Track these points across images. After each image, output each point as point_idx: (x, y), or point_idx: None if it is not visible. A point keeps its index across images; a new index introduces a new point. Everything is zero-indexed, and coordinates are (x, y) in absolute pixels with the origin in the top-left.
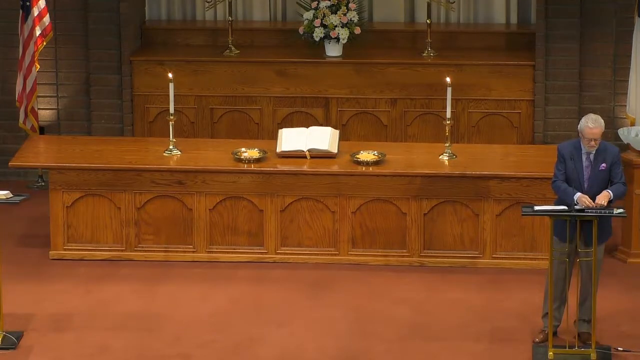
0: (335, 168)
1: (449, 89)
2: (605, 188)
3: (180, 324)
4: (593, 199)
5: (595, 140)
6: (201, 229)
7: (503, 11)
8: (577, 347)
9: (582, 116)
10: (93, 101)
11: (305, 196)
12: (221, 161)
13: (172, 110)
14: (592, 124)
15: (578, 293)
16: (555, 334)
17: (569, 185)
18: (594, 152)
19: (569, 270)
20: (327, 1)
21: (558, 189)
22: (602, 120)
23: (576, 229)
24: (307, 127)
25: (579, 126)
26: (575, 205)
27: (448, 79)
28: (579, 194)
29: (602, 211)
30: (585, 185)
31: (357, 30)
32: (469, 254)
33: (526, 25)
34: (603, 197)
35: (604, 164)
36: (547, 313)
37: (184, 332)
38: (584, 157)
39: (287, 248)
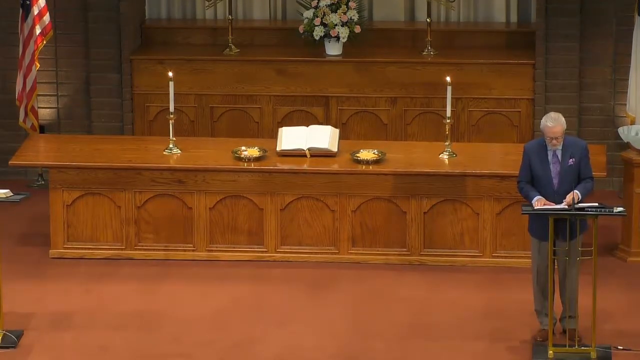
0: (335, 167)
1: (449, 88)
2: (577, 183)
3: (180, 323)
4: (564, 195)
5: (556, 138)
6: (201, 227)
7: (503, 10)
8: (577, 345)
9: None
10: (93, 100)
11: (305, 195)
12: (221, 160)
13: (172, 109)
14: (551, 123)
15: (563, 290)
16: (554, 332)
17: (540, 184)
18: (560, 148)
19: (552, 267)
20: (327, 0)
21: (521, 191)
22: (563, 119)
23: (564, 228)
24: (307, 126)
25: (540, 125)
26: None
27: (448, 78)
28: (536, 197)
29: (602, 210)
30: (555, 182)
31: (357, 29)
32: (469, 252)
33: (526, 24)
34: (568, 200)
35: (572, 159)
36: (538, 310)
37: (184, 331)
38: (550, 154)
39: (287, 247)
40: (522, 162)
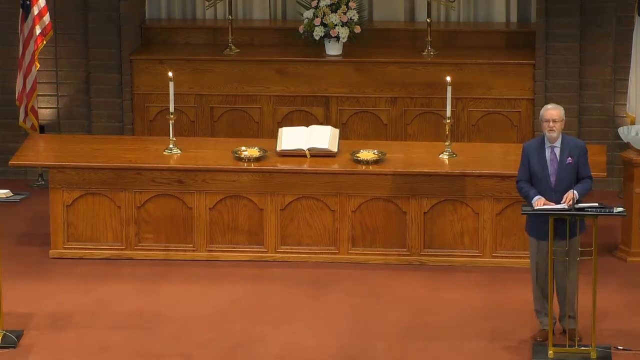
0: (335, 167)
1: (449, 88)
2: (575, 182)
3: (180, 323)
4: (562, 193)
5: (554, 120)
6: (201, 227)
7: (503, 10)
8: (577, 345)
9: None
10: (93, 100)
11: (305, 195)
12: (221, 160)
13: (172, 109)
14: (550, 106)
15: (559, 290)
16: (554, 332)
17: (538, 181)
18: (559, 146)
19: (552, 267)
20: (327, 0)
21: (520, 190)
22: (563, 109)
23: (562, 228)
24: (307, 126)
25: (540, 114)
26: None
27: (448, 78)
28: (536, 197)
29: (602, 210)
30: (552, 180)
31: (357, 29)
32: (469, 252)
33: (526, 24)
34: (568, 199)
35: (570, 158)
36: (538, 310)
37: (183, 331)
38: (548, 152)
39: (287, 247)
40: (521, 161)
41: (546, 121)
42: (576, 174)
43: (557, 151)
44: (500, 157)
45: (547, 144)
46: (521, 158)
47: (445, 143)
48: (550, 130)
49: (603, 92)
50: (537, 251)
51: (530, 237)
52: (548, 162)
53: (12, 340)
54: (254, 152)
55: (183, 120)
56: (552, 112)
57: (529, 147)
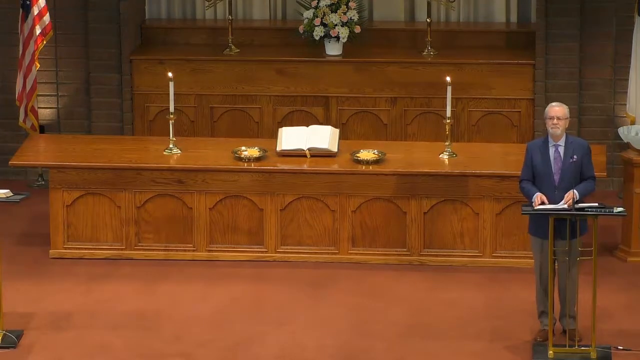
0: (335, 167)
1: (449, 88)
2: (577, 182)
3: (180, 323)
4: (565, 192)
5: (558, 118)
6: (201, 227)
7: (503, 10)
8: (577, 345)
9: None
10: (93, 100)
11: (305, 195)
12: (221, 160)
13: (172, 109)
14: (555, 104)
15: (562, 290)
16: (554, 332)
17: (541, 180)
18: (562, 145)
19: (552, 267)
20: (327, 0)
21: (522, 190)
22: (568, 108)
23: (563, 228)
24: (307, 126)
25: (544, 113)
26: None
27: (448, 78)
28: (537, 194)
29: (602, 210)
30: (556, 178)
31: (357, 29)
32: (469, 252)
33: (526, 24)
34: (568, 199)
35: (573, 157)
36: (543, 312)
37: (183, 331)
38: (552, 151)
39: (287, 247)
40: (524, 161)
41: (550, 118)
42: (580, 174)
43: (562, 150)
44: (500, 157)
45: (551, 143)
46: (524, 158)
47: (445, 143)
48: (554, 127)
49: (603, 92)
50: (540, 251)
51: (534, 237)
52: (552, 160)
53: (12, 340)
54: (254, 152)
55: (183, 120)
56: (556, 109)
57: (532, 146)
